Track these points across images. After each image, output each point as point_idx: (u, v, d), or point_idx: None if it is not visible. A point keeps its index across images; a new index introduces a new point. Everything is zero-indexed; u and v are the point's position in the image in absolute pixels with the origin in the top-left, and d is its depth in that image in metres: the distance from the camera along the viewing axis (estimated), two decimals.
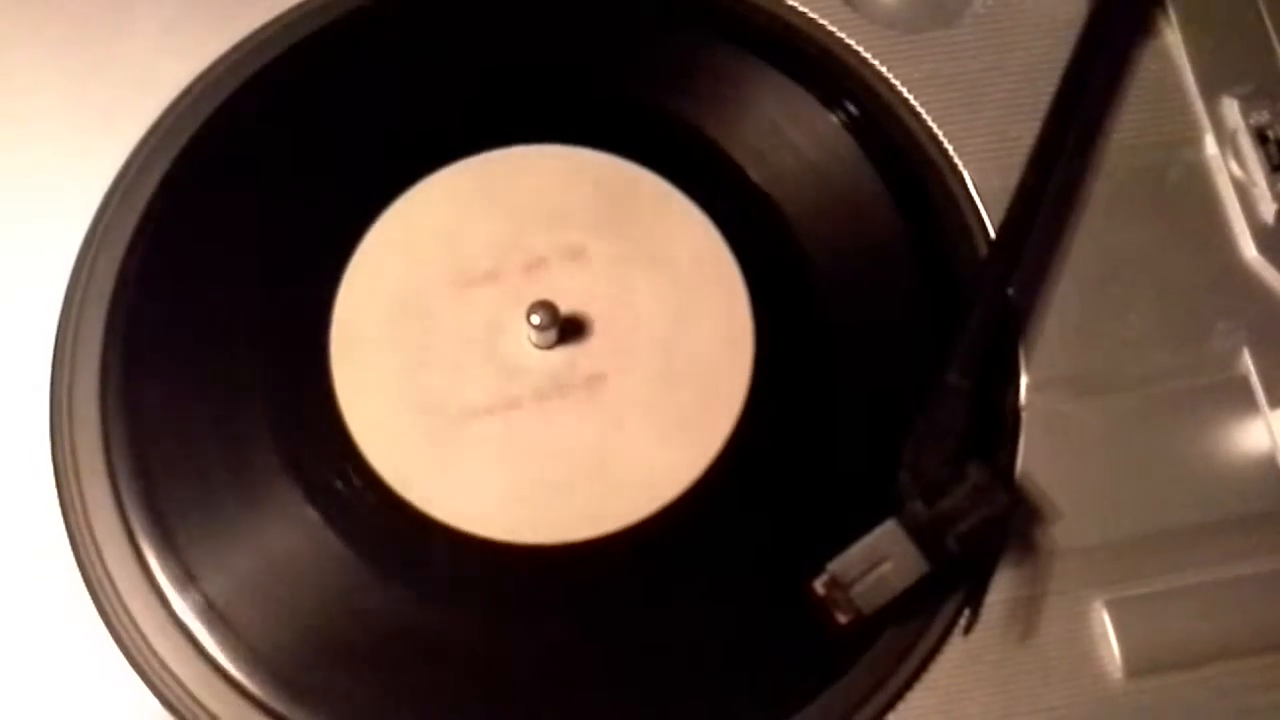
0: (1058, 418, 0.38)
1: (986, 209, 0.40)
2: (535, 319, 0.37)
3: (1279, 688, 0.36)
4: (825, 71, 0.42)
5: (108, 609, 0.36)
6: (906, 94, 0.42)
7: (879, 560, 0.34)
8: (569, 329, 0.38)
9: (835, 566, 0.34)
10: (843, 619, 0.34)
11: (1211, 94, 0.41)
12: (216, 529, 0.36)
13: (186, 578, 0.36)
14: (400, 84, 0.42)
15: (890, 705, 0.36)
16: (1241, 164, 0.41)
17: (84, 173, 0.40)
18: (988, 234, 0.40)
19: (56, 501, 0.37)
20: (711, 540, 0.37)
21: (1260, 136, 0.40)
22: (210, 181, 0.40)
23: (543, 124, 0.41)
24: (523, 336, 0.38)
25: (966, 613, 0.36)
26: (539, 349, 0.38)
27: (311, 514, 0.36)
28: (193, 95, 0.41)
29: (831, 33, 0.42)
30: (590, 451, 0.37)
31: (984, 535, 0.35)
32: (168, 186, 0.40)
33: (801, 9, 0.43)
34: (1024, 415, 0.38)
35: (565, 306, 0.38)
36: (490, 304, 0.39)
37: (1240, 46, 0.42)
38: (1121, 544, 0.37)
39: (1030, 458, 0.38)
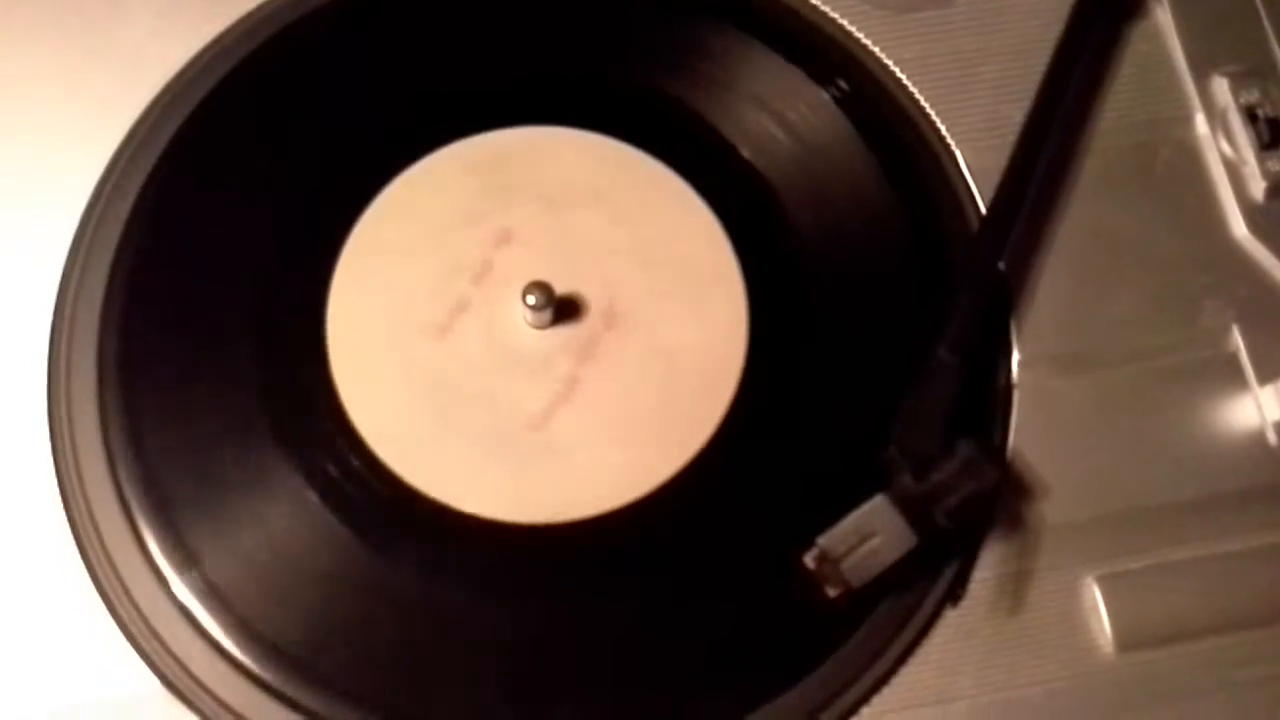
0: (1049, 394, 0.39)
1: (978, 187, 0.41)
2: (530, 299, 0.37)
3: (1268, 661, 0.36)
4: (818, 51, 0.42)
5: (108, 591, 0.36)
6: (899, 73, 0.42)
7: (868, 534, 0.34)
8: (564, 309, 0.38)
9: (825, 540, 0.34)
10: (832, 592, 0.34)
11: (1202, 73, 0.42)
12: (216, 510, 0.36)
13: (186, 559, 0.36)
14: (392, 67, 0.42)
15: (885, 679, 0.36)
16: (1231, 142, 0.41)
17: (78, 158, 0.40)
18: (980, 212, 0.40)
19: (56, 485, 0.37)
20: (707, 516, 0.37)
21: (1250, 115, 0.40)
22: (204, 166, 0.40)
23: (532, 106, 0.41)
24: (518, 317, 0.38)
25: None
26: (534, 329, 0.38)
27: (310, 495, 0.37)
28: (185, 80, 0.41)
29: (825, 13, 0.43)
30: (587, 429, 0.37)
31: (972, 509, 0.35)
32: (161, 171, 0.40)
33: None
34: (1015, 391, 0.39)
35: (560, 286, 0.38)
36: (485, 285, 0.39)
37: (1230, 26, 0.42)
38: (1112, 519, 0.37)
39: (1021, 434, 0.38)
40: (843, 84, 0.41)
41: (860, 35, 0.42)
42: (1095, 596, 0.37)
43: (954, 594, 0.36)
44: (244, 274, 0.39)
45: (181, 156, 0.40)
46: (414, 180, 0.40)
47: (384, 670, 0.35)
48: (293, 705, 0.35)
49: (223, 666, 0.35)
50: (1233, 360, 0.39)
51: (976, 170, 0.41)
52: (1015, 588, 0.37)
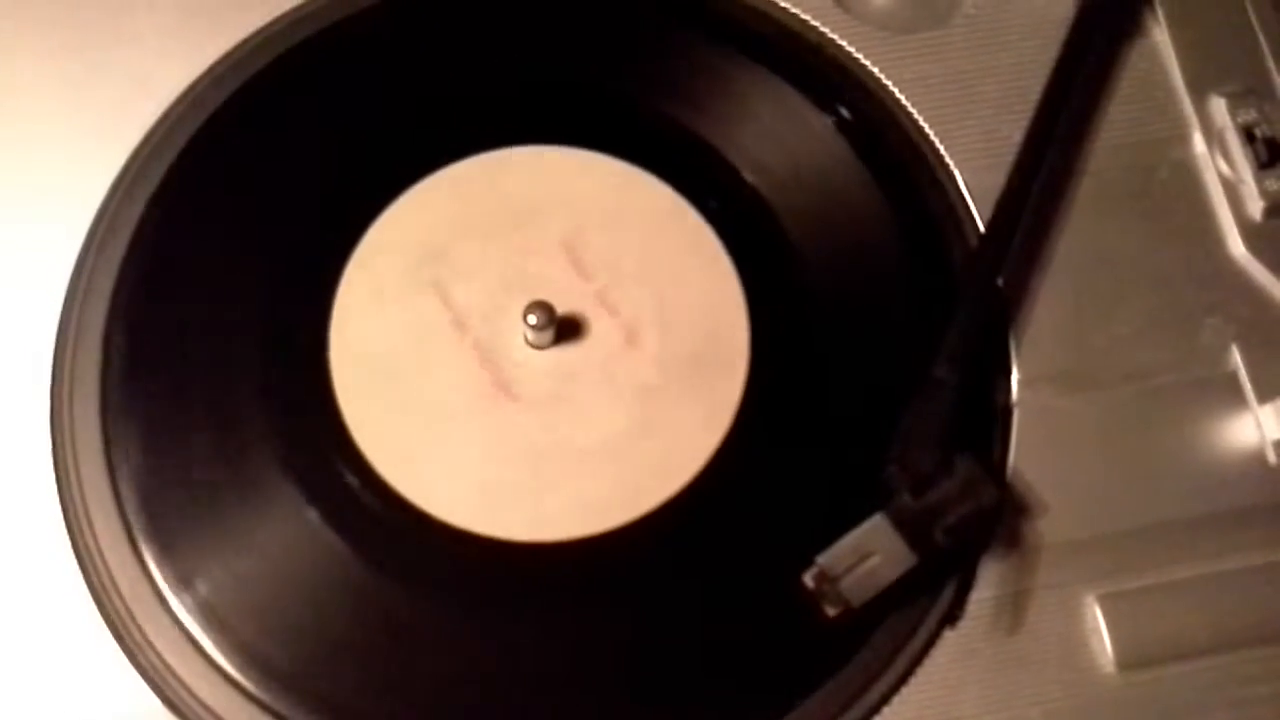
0: (1049, 413, 0.39)
1: (977, 207, 0.41)
2: (532, 319, 0.37)
3: (1271, 679, 0.36)
4: (818, 72, 0.42)
5: (109, 609, 0.36)
6: (898, 94, 0.42)
7: (867, 553, 0.34)
8: (565, 329, 0.38)
9: (824, 559, 0.34)
10: (831, 612, 0.34)
11: (1199, 92, 0.42)
12: (216, 529, 0.36)
13: (186, 578, 0.36)
14: (396, 86, 0.42)
15: (885, 699, 0.36)
16: (1229, 162, 0.41)
17: (83, 175, 0.40)
18: (979, 231, 0.40)
19: (57, 502, 0.37)
20: (707, 537, 0.37)
21: (1248, 135, 0.41)
22: (208, 184, 0.40)
23: (537, 126, 0.41)
24: (519, 337, 0.38)
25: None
26: (536, 349, 0.39)
27: (311, 514, 0.37)
28: (190, 98, 0.41)
29: (824, 34, 0.43)
30: (587, 451, 0.37)
31: (972, 528, 0.35)
32: (166, 189, 0.40)
33: (793, 10, 0.43)
34: (1015, 410, 0.39)
35: (561, 307, 0.38)
36: (487, 304, 0.39)
37: (1228, 45, 0.42)
38: (1113, 538, 0.37)
39: (1022, 452, 0.38)
40: (843, 106, 0.42)
41: (859, 56, 0.43)
42: (1096, 615, 0.37)
43: (952, 615, 0.36)
44: (247, 293, 0.39)
45: (185, 178, 0.40)
46: (415, 201, 0.40)
47: (385, 690, 0.35)
48: None
49: (222, 686, 0.35)
50: (1232, 379, 0.39)
51: (975, 189, 0.41)
52: (1015, 607, 0.37)
